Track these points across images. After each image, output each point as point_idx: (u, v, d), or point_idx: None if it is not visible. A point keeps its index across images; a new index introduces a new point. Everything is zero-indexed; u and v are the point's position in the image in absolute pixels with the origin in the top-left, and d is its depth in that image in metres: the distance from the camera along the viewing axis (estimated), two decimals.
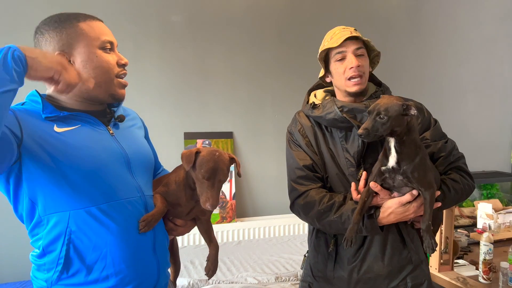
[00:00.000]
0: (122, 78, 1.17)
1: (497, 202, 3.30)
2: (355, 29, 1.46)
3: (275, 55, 3.50)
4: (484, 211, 2.89)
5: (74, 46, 1.09)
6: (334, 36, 1.44)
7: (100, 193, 1.08)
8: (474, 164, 4.03)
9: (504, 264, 2.04)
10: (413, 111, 1.23)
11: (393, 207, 1.32)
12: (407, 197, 1.30)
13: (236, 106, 3.43)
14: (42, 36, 1.10)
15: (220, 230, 3.25)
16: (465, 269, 2.28)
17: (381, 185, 1.32)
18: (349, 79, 1.42)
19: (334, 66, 1.46)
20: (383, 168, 1.30)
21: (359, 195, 1.37)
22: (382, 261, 1.45)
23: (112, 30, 1.19)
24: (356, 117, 1.43)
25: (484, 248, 2.11)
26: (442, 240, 2.26)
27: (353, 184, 1.40)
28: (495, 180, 3.70)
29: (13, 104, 1.07)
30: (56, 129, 1.05)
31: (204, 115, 3.35)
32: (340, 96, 1.51)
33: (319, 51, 1.48)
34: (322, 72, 1.54)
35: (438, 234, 2.20)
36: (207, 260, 1.28)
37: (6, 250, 2.86)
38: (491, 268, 2.11)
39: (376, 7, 3.75)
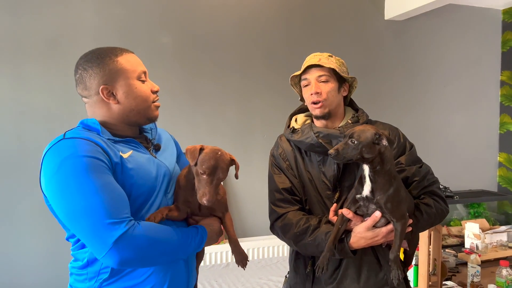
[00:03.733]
0: (155, 101, 1.31)
1: (484, 221, 3.33)
2: (329, 55, 1.52)
3: (264, 77, 3.53)
4: (472, 231, 2.91)
5: (116, 80, 1.22)
6: (305, 63, 1.53)
7: (146, 211, 1.20)
8: (460, 183, 4.06)
9: (492, 287, 2.05)
10: (384, 142, 1.28)
11: (361, 232, 1.37)
12: (369, 221, 1.35)
13: (225, 126, 3.44)
14: (85, 72, 1.22)
15: (207, 252, 3.21)
16: None
17: (355, 212, 1.36)
18: (312, 103, 1.50)
19: (303, 91, 1.56)
20: (358, 196, 1.34)
21: (335, 217, 1.41)
22: (358, 282, 1.47)
23: None
24: (332, 143, 1.48)
25: (471, 271, 2.13)
26: (430, 262, 2.26)
27: (334, 205, 1.44)
28: (482, 200, 3.73)
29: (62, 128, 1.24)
30: (122, 154, 1.18)
31: (193, 135, 3.34)
32: (315, 119, 1.57)
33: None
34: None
35: (425, 256, 2.21)
36: (232, 253, 1.38)
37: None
38: None
39: (364, 29, 3.81)
